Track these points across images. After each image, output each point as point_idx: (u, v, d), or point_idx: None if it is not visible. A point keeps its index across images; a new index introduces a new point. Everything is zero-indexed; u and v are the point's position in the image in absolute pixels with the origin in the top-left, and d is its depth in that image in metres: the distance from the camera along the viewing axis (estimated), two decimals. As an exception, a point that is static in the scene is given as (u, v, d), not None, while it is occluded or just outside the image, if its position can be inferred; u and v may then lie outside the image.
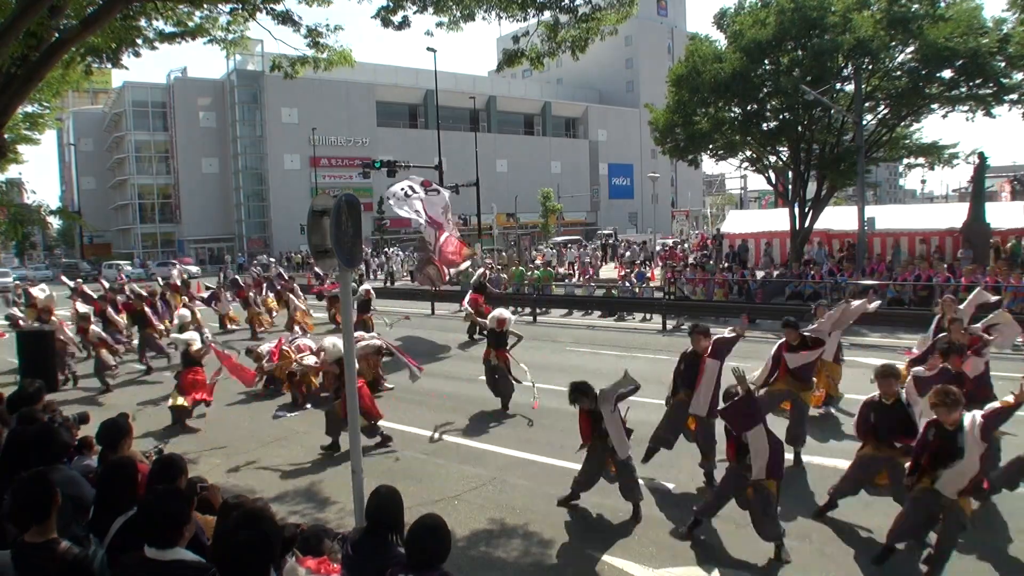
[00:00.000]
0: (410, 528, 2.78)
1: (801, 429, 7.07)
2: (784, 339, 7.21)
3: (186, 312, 13.19)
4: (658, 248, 34.92)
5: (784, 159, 22.49)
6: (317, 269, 20.41)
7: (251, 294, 17.90)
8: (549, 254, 33.68)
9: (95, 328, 12.43)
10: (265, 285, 18.92)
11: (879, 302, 10.54)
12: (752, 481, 5.08)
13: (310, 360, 10.53)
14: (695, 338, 6.78)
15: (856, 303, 8.59)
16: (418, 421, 9.08)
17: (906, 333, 12.81)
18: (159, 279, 19.11)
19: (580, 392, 5.85)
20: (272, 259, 41.20)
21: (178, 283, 17.93)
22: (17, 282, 23.97)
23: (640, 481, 6.03)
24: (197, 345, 9.56)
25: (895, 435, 5.25)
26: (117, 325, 13.72)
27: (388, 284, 30.31)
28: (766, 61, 19.93)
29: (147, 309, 13.85)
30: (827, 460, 6.91)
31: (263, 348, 11.00)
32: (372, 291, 15.16)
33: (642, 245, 36.40)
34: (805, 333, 7.28)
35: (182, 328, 10.60)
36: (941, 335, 7.27)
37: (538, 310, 19.46)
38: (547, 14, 7.78)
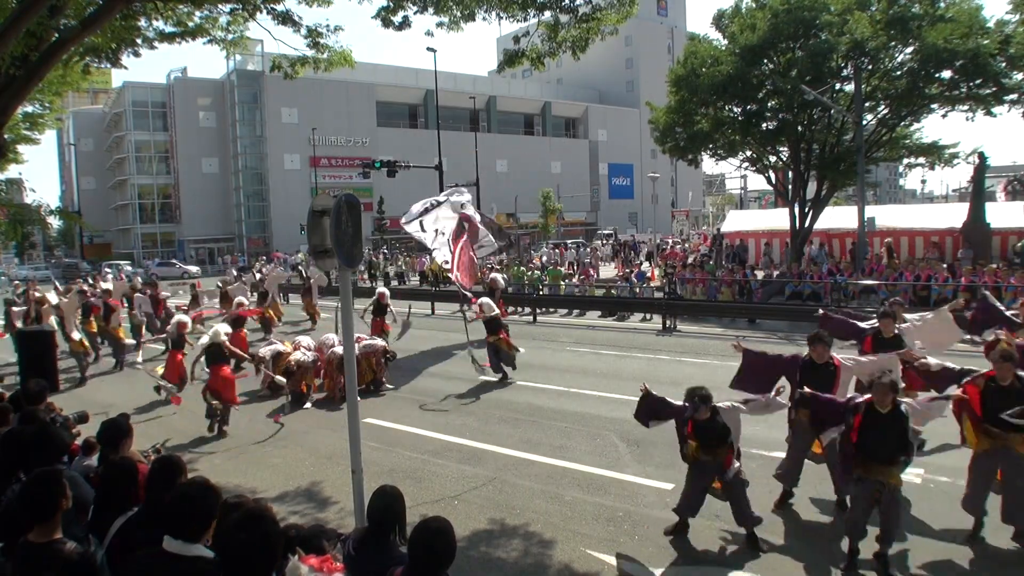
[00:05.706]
0: (414, 530, 2.65)
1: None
2: None
3: None
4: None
5: (784, 159, 22.48)
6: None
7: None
8: (549, 254, 33.70)
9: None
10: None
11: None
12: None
13: (304, 356, 10.62)
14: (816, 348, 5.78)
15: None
16: (418, 421, 9.08)
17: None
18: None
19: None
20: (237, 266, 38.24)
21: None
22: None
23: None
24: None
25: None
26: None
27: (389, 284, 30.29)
28: (764, 61, 19.92)
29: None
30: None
31: (264, 351, 11.00)
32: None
33: (633, 243, 36.20)
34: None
35: None
36: None
37: (538, 310, 19.49)
38: (547, 14, 7.77)
